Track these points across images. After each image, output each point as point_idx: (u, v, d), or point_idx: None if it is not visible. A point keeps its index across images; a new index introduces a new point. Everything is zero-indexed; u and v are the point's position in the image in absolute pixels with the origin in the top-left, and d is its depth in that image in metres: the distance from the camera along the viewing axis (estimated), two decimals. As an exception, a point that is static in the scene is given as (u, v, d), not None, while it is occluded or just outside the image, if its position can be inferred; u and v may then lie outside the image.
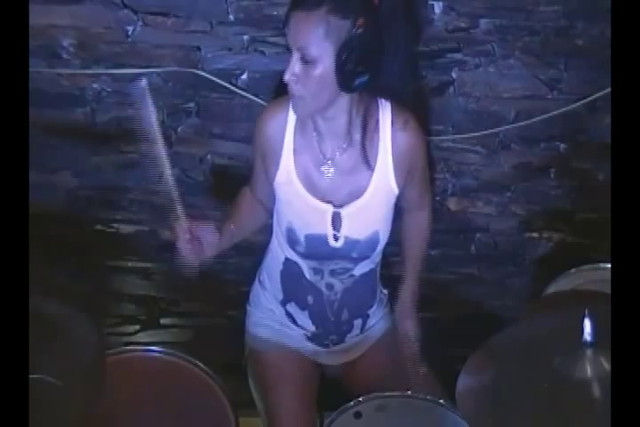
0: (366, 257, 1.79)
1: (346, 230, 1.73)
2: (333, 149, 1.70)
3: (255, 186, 1.85)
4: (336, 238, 1.74)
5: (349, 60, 1.51)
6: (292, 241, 1.76)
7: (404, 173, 1.73)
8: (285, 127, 1.70)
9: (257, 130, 1.74)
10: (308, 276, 1.80)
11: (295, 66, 1.54)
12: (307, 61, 1.53)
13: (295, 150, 1.70)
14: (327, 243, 1.74)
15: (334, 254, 1.76)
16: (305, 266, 1.80)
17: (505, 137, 2.03)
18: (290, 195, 1.73)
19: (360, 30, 1.50)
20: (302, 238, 1.74)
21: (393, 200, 1.75)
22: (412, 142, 1.72)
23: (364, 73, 1.54)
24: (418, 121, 1.74)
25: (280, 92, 1.78)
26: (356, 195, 1.72)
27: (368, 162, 1.70)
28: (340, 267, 1.79)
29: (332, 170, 1.71)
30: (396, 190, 1.73)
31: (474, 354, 1.47)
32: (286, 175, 1.71)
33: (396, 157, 1.71)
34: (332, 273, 1.79)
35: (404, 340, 1.83)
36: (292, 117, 1.69)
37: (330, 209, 1.71)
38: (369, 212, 1.73)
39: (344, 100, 1.62)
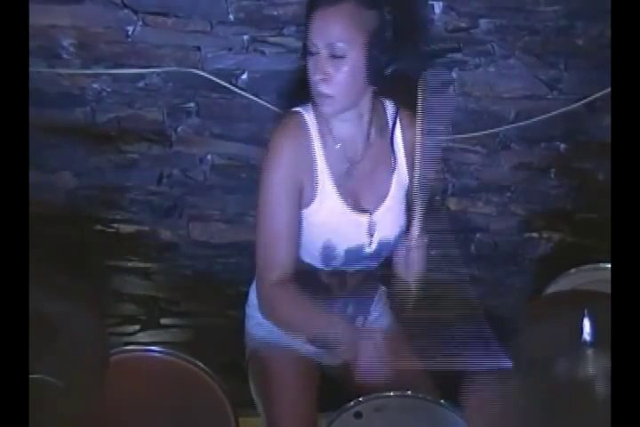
0: (390, 253, 1.78)
1: (379, 234, 1.72)
2: (356, 154, 1.69)
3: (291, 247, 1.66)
4: (370, 244, 1.72)
5: (380, 49, 1.52)
6: (328, 258, 1.71)
7: (411, 166, 1.74)
8: (313, 147, 1.64)
9: (283, 161, 1.62)
10: (321, 278, 1.78)
11: (326, 64, 1.53)
12: (337, 57, 1.52)
13: (328, 166, 1.66)
14: (363, 251, 1.73)
15: (366, 258, 1.75)
16: (325, 271, 1.77)
17: (505, 137, 2.03)
18: (330, 211, 1.67)
19: (389, 17, 1.51)
20: (342, 253, 1.71)
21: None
22: (417, 136, 1.72)
23: (392, 63, 1.55)
24: (416, 114, 1.74)
25: (283, 92, 1.78)
26: (382, 197, 1.71)
27: (393, 161, 1.71)
28: (364, 268, 1.78)
29: (356, 176, 1.69)
30: (407, 182, 1.74)
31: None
32: (327, 192, 1.66)
33: (407, 152, 1.72)
34: (355, 274, 1.78)
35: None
36: (315, 134, 1.65)
37: (366, 218, 1.70)
38: (395, 210, 1.73)
39: (366, 100, 1.63)
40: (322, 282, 1.79)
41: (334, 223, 1.69)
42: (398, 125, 1.72)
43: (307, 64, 1.58)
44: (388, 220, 1.73)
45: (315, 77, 1.55)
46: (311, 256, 1.73)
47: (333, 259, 1.72)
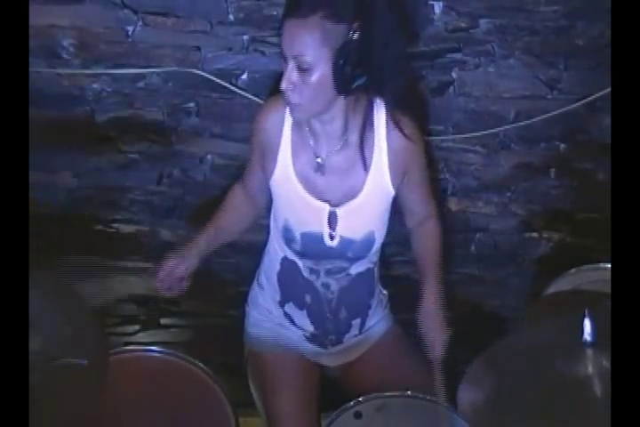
0: (362, 257, 1.79)
1: (341, 230, 1.73)
2: (328, 149, 1.71)
3: (249, 179, 1.85)
4: (332, 237, 1.74)
5: (347, 63, 1.51)
6: (287, 239, 1.76)
7: (399, 174, 1.73)
8: (283, 125, 1.71)
9: (256, 125, 1.75)
10: (305, 274, 1.80)
11: (292, 74, 1.53)
12: (303, 69, 1.52)
13: (292, 148, 1.71)
14: (323, 242, 1.74)
15: (330, 254, 1.76)
16: (302, 265, 1.80)
17: (505, 137, 2.03)
18: (287, 192, 1.73)
19: (357, 34, 1.50)
20: (298, 236, 1.74)
21: (389, 201, 1.75)
22: (406, 141, 1.71)
23: (362, 75, 1.55)
24: (412, 120, 1.74)
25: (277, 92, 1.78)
26: (352, 194, 1.72)
27: (365, 162, 1.70)
28: (336, 266, 1.79)
29: (326, 170, 1.71)
30: (391, 191, 1.73)
31: (473, 364, 1.45)
32: (284, 172, 1.72)
33: (392, 156, 1.71)
34: (328, 273, 1.79)
35: (429, 347, 1.73)
36: (289, 116, 1.69)
37: (326, 208, 1.72)
38: (364, 212, 1.74)
39: (341, 102, 1.62)
40: (308, 281, 1.80)
41: (291, 203, 1.74)
42: (383, 126, 1.70)
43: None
44: (355, 218, 1.73)
45: (283, 85, 1.56)
46: (279, 236, 1.79)
47: (292, 241, 1.76)
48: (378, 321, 1.95)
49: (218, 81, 1.90)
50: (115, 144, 2.01)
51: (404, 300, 1.82)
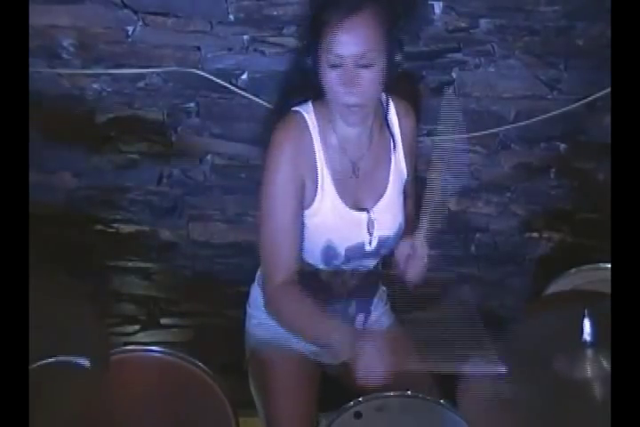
0: (390, 249, 1.77)
1: (377, 231, 1.71)
2: (358, 153, 1.69)
3: (292, 250, 1.64)
4: (370, 242, 1.72)
5: (396, 51, 1.56)
6: (329, 257, 1.71)
7: (409, 158, 1.75)
8: (314, 146, 1.64)
9: (284, 153, 1.61)
10: (323, 278, 1.78)
11: (353, 75, 1.51)
12: (364, 66, 1.51)
13: (328, 166, 1.66)
14: (364, 249, 1.72)
15: (366, 256, 1.75)
16: (324, 270, 1.76)
17: (505, 137, 2.03)
18: (330, 211, 1.67)
19: (403, 22, 1.55)
20: (342, 252, 1.70)
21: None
22: (413, 126, 1.75)
23: (400, 63, 1.60)
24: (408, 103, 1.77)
25: (285, 94, 1.78)
26: (380, 193, 1.71)
27: (390, 157, 1.71)
28: (364, 265, 1.78)
29: (358, 177, 1.70)
30: (406, 176, 1.75)
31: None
32: (327, 192, 1.66)
33: (404, 143, 1.73)
34: (353, 271, 1.78)
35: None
36: (316, 134, 1.65)
37: (365, 216, 1.70)
38: (393, 206, 1.73)
39: (379, 97, 1.64)
40: (323, 281, 1.79)
41: (334, 223, 1.69)
42: (395, 115, 1.72)
43: (323, 74, 1.55)
44: (386, 216, 1.72)
45: (341, 89, 1.53)
46: (313, 256, 1.73)
47: (334, 258, 1.72)
48: (379, 317, 1.95)
49: (218, 81, 1.90)
50: (115, 144, 2.01)
51: (403, 299, 1.82)
